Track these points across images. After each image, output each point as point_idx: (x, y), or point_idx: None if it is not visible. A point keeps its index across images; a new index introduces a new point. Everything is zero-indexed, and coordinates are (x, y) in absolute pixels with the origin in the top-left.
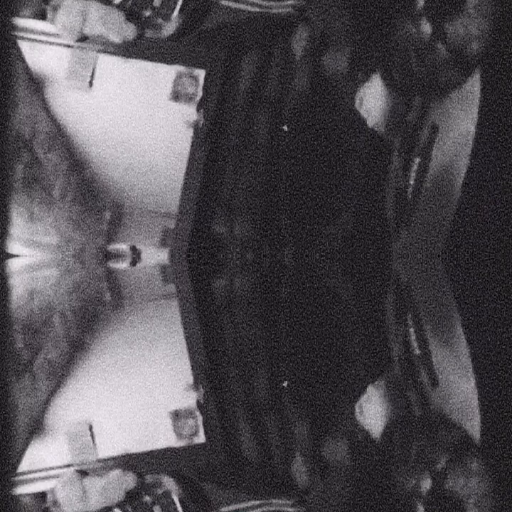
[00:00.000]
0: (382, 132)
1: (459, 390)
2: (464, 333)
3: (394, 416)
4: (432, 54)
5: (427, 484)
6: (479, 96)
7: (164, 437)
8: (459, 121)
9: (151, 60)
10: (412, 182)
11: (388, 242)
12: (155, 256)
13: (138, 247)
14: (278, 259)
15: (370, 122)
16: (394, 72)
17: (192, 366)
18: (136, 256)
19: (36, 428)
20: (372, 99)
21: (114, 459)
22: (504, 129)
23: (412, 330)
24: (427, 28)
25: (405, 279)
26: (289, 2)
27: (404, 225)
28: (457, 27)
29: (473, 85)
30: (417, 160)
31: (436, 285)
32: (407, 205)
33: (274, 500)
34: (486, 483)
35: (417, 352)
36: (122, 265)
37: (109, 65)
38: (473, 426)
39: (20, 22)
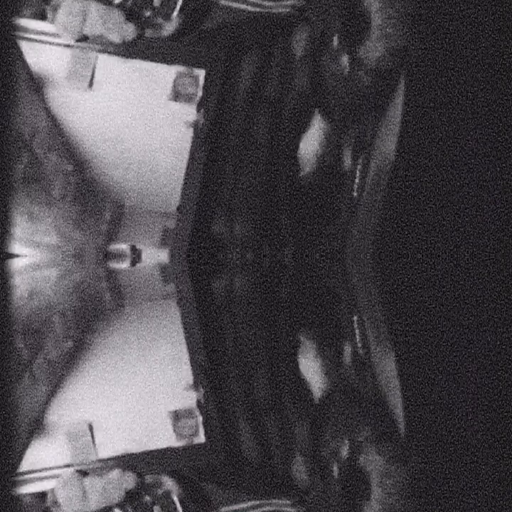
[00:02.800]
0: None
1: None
2: (391, 335)
3: (335, 383)
4: (356, 82)
5: (345, 451)
6: (402, 103)
7: (164, 437)
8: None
9: (151, 60)
10: (356, 180)
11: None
12: (155, 256)
13: (138, 247)
14: (278, 259)
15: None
16: (332, 111)
17: (192, 366)
18: (136, 256)
19: (36, 428)
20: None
21: (114, 459)
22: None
23: (357, 331)
24: (344, 60)
25: (353, 280)
26: (289, 2)
27: (353, 225)
28: (368, 50)
29: (398, 95)
30: (361, 157)
31: (369, 288)
32: (353, 203)
33: (274, 500)
34: (395, 468)
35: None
36: (122, 265)
37: (109, 65)
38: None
39: (20, 22)
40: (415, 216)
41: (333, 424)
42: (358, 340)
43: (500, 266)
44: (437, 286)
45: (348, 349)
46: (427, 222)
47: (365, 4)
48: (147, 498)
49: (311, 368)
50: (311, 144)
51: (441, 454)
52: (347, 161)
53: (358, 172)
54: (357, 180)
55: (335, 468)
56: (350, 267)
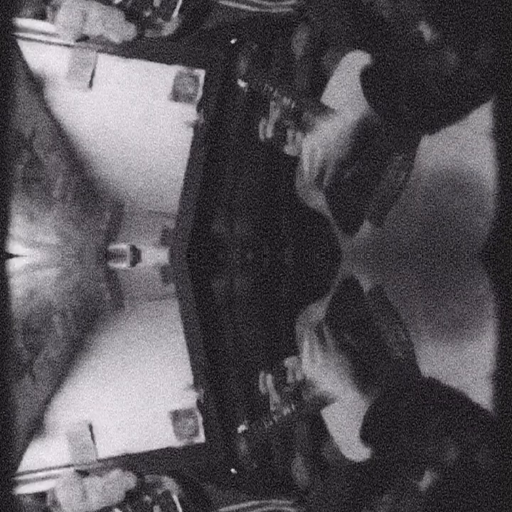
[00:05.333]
0: None
1: None
2: None
3: None
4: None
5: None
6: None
7: (164, 437)
8: None
9: (151, 60)
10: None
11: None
12: (155, 256)
13: (138, 247)
14: (278, 259)
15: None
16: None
17: (192, 366)
18: (136, 256)
19: (36, 428)
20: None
21: (114, 459)
22: None
23: None
24: (452, 56)
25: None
26: (289, 2)
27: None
28: (486, 49)
29: None
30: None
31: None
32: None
33: (274, 500)
34: None
35: None
36: (122, 265)
37: (109, 65)
38: None
39: (20, 22)
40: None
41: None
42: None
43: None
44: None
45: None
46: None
47: None
48: (147, 498)
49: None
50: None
51: None
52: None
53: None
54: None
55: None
56: (350, 267)
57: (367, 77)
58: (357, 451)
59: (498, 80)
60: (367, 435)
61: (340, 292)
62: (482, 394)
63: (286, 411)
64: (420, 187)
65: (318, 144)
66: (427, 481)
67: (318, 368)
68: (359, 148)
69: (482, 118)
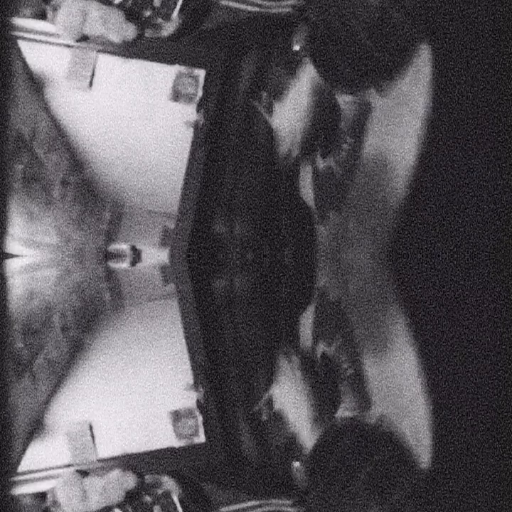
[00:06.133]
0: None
1: None
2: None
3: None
4: (385, 22)
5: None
6: (429, 77)
7: (164, 437)
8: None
9: (151, 60)
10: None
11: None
12: (155, 256)
13: (138, 247)
14: (278, 259)
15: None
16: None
17: (192, 366)
18: (136, 256)
19: (36, 428)
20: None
21: (114, 459)
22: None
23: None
24: None
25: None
26: (289, 2)
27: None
28: None
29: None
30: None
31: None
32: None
33: (274, 500)
34: None
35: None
36: (122, 265)
37: (109, 65)
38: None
39: (20, 22)
40: (416, 216)
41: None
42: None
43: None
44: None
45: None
46: (429, 222)
47: None
48: (147, 498)
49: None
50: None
51: None
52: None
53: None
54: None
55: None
56: (349, 267)
57: (311, 45)
58: None
59: (426, 24)
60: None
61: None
62: (420, 414)
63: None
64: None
65: (284, 119)
66: None
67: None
68: (316, 116)
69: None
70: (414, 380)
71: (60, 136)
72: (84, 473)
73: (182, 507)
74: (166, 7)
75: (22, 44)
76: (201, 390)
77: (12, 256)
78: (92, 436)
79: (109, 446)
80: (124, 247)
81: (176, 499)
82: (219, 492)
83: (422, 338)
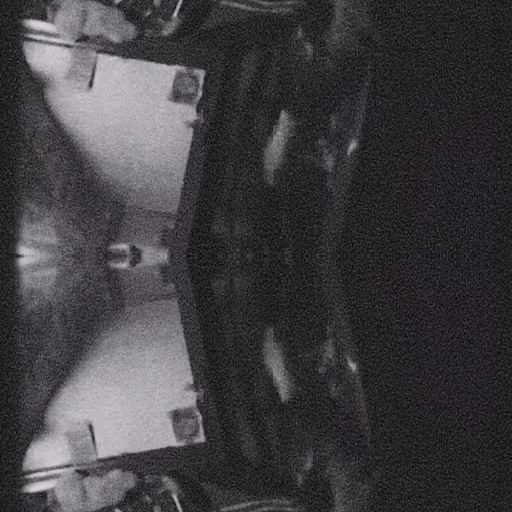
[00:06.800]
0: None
1: None
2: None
3: (303, 393)
4: (321, 67)
5: (308, 464)
6: (367, 91)
7: (164, 437)
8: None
9: (151, 60)
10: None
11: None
12: (155, 256)
13: (138, 247)
14: (278, 259)
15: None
16: (298, 100)
17: (192, 366)
18: (136, 256)
19: (36, 428)
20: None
21: (114, 459)
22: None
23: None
24: (308, 48)
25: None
26: (289, 2)
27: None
28: (332, 36)
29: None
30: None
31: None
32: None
33: (274, 500)
34: (359, 486)
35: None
36: (122, 265)
37: (109, 65)
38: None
39: (21, 22)
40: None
41: (299, 433)
42: (332, 346)
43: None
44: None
45: (326, 355)
46: (424, 221)
47: None
48: (147, 498)
49: (281, 370)
50: (286, 143)
51: (407, 468)
52: (327, 156)
53: (335, 167)
54: (336, 176)
55: (299, 478)
56: (350, 267)
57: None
58: None
59: (353, 69)
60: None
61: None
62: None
63: None
64: None
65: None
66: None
67: None
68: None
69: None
70: None
71: (60, 136)
72: (84, 473)
73: (182, 507)
74: (166, 7)
75: (22, 44)
76: (201, 390)
77: (12, 256)
78: (92, 436)
79: (109, 446)
80: (124, 247)
81: (176, 499)
82: (219, 492)
83: None
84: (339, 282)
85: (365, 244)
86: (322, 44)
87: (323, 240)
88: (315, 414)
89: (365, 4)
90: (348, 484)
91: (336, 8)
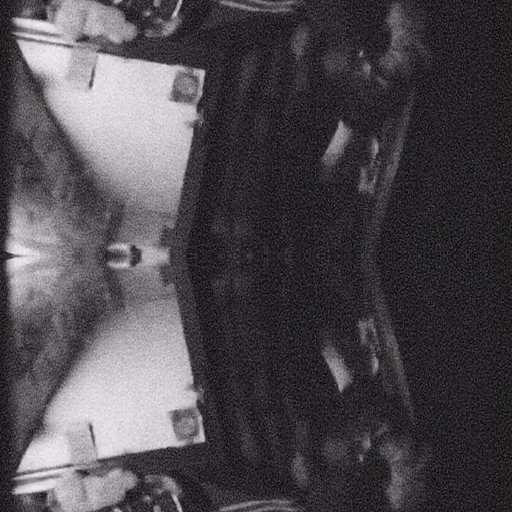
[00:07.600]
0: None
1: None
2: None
3: (357, 379)
4: (375, 87)
5: (366, 444)
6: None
7: (164, 437)
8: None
9: (151, 60)
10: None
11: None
12: (155, 256)
13: (138, 247)
14: (278, 259)
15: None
16: (352, 114)
17: (192, 366)
18: (136, 256)
19: (36, 428)
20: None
21: (114, 459)
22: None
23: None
24: (367, 68)
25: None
26: (289, 2)
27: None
28: (387, 60)
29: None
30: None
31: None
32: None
33: (274, 500)
34: (411, 456)
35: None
36: (122, 265)
37: (109, 65)
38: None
39: (20, 22)
40: (416, 217)
41: (354, 420)
42: (366, 336)
43: (500, 266)
44: (438, 284)
45: (352, 346)
46: (427, 223)
47: (389, 19)
48: (147, 498)
49: (333, 365)
50: (333, 146)
51: (449, 444)
52: (352, 162)
53: (363, 174)
54: (363, 182)
55: (360, 457)
56: (351, 267)
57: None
58: None
59: (406, 87)
60: None
61: None
62: None
63: None
64: None
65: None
66: None
67: None
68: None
69: None
70: None
71: (60, 136)
72: (84, 473)
73: (182, 507)
74: (166, 7)
75: (22, 44)
76: (201, 390)
77: (12, 256)
78: (92, 436)
79: (109, 446)
80: (124, 247)
81: (176, 499)
82: (219, 492)
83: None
84: (379, 281)
85: (401, 246)
86: (378, 66)
87: (363, 243)
88: (366, 400)
89: (422, 29)
90: (402, 460)
91: (393, 31)
